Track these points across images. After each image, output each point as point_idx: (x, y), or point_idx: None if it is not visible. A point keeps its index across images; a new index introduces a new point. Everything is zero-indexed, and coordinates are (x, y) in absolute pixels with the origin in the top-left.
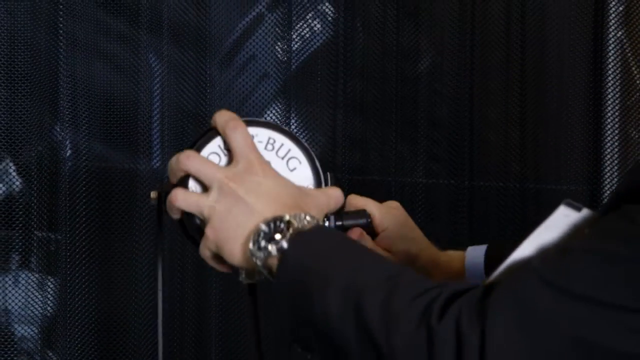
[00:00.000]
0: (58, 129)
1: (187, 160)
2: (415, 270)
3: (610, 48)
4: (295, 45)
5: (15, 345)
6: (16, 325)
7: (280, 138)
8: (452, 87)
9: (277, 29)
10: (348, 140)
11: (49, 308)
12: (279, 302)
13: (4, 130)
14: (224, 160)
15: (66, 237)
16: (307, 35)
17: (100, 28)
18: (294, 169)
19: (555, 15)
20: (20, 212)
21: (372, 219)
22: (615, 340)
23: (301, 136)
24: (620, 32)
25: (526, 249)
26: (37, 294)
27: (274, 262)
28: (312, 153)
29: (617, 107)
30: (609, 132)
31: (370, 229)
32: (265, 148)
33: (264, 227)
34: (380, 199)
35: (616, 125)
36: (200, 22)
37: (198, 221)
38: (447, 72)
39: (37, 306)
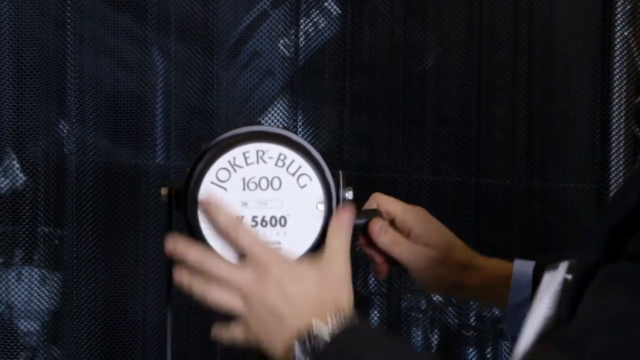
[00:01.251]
0: (65, 125)
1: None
2: (451, 266)
3: (617, 47)
4: (302, 42)
5: (21, 340)
6: (21, 320)
7: (291, 154)
8: (460, 84)
9: (283, 26)
10: (355, 137)
11: (54, 303)
12: None
13: (11, 126)
14: (234, 175)
15: (72, 233)
16: (313, 33)
17: (107, 24)
18: (305, 185)
19: (563, 13)
20: (26, 208)
21: (394, 218)
22: None
23: (308, 133)
24: (627, 31)
25: (530, 332)
26: (42, 289)
27: None
28: (324, 167)
29: (623, 106)
30: (615, 130)
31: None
32: (276, 164)
33: (297, 350)
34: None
35: (622, 124)
36: (207, 18)
37: None
38: (455, 69)
39: (42, 302)
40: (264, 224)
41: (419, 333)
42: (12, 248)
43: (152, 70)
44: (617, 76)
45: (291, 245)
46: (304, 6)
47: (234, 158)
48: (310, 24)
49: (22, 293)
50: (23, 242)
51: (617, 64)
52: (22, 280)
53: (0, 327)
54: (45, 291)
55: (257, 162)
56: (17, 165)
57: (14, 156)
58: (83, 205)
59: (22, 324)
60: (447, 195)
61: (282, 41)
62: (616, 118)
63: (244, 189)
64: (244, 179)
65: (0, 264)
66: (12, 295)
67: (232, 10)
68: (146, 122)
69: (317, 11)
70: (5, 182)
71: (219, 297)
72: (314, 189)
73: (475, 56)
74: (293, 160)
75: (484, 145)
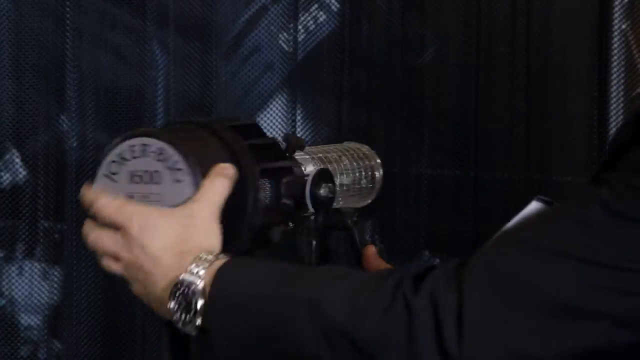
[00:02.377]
0: (64, 120)
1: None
2: None
3: (615, 40)
4: (301, 37)
5: (22, 334)
6: (23, 315)
7: (169, 150)
8: (457, 78)
9: (282, 20)
10: (353, 131)
11: (55, 298)
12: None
13: (11, 121)
14: (123, 168)
15: (72, 227)
16: (312, 27)
17: (106, 19)
18: (179, 180)
19: (560, 6)
20: (27, 202)
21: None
22: (585, 297)
23: (306, 127)
24: (624, 25)
25: None
26: (43, 283)
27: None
28: (197, 170)
29: (621, 99)
30: (612, 124)
31: (351, 231)
32: (158, 159)
33: (173, 305)
34: (385, 189)
35: (620, 117)
36: (206, 12)
37: None
38: (453, 63)
39: (43, 296)
40: None
41: None
42: (13, 242)
43: (151, 64)
44: (615, 69)
45: None
46: (303, 1)
47: (123, 151)
48: (310, 18)
49: (23, 287)
50: (24, 236)
51: (615, 57)
52: (23, 275)
53: (1, 321)
54: (46, 285)
55: (142, 155)
56: (18, 160)
57: (14, 151)
58: None
59: (23, 318)
60: (446, 189)
61: (281, 36)
62: (614, 111)
63: (130, 182)
64: (130, 172)
65: (1, 258)
66: (14, 290)
67: (232, 5)
68: (146, 116)
69: (316, 6)
70: (5, 177)
71: (107, 265)
72: (187, 182)
73: (473, 50)
74: (171, 155)
75: (482, 139)
